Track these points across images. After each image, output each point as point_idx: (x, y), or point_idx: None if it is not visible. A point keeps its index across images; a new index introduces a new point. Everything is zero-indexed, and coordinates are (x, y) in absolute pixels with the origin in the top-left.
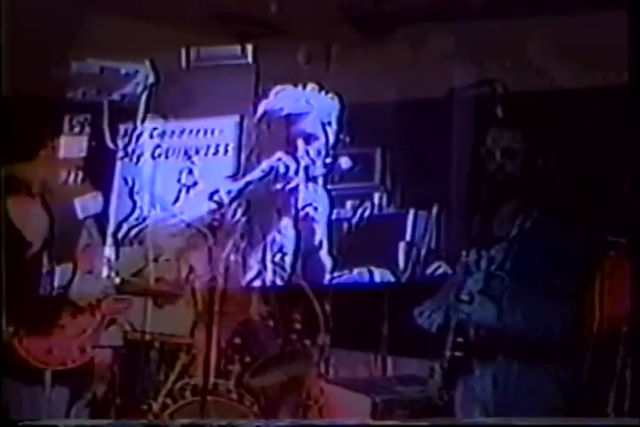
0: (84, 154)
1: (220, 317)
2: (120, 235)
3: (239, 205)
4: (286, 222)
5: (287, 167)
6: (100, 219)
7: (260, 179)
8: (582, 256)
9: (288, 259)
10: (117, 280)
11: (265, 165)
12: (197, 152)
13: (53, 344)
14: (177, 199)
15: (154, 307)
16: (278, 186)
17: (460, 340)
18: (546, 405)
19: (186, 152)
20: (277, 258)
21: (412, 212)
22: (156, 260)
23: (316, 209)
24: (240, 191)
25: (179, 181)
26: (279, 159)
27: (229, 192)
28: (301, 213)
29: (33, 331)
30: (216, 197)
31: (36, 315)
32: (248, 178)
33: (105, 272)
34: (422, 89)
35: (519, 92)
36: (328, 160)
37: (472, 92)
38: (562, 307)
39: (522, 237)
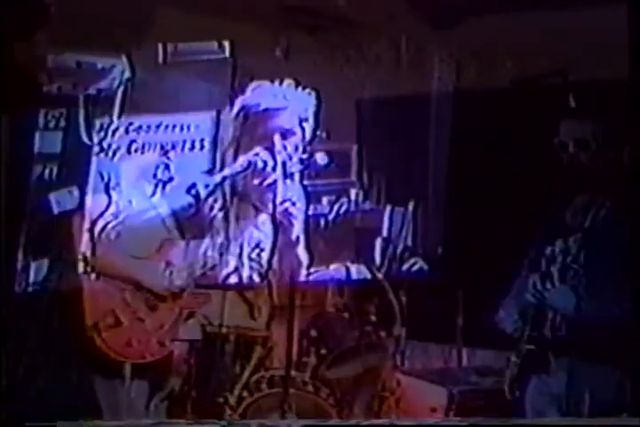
0: (59, 149)
1: (296, 309)
2: (96, 230)
3: (215, 201)
4: (264, 218)
5: (265, 163)
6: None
7: (239, 173)
8: None
9: (265, 255)
10: (195, 274)
11: (242, 160)
12: (174, 147)
13: (133, 337)
14: (153, 194)
15: (230, 300)
16: (256, 181)
17: (534, 333)
18: (618, 402)
19: (162, 147)
20: (254, 254)
21: (388, 208)
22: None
23: (293, 204)
24: (217, 186)
25: (155, 176)
26: (256, 154)
27: (206, 187)
28: (279, 209)
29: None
30: (190, 195)
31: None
32: (225, 173)
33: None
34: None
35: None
36: (305, 156)
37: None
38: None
39: (595, 228)
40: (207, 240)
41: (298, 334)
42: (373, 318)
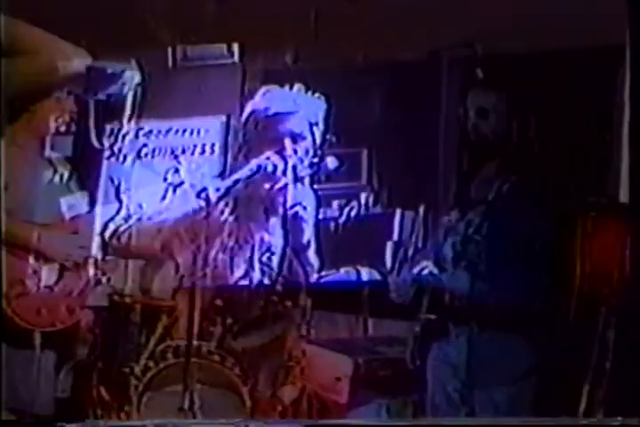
0: (69, 153)
1: (202, 279)
2: (107, 234)
3: (226, 204)
4: (274, 222)
5: (275, 166)
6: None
7: (248, 177)
8: (563, 217)
9: (275, 258)
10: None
11: (253, 163)
12: (184, 151)
13: (42, 306)
14: (163, 198)
15: (136, 269)
16: (266, 185)
17: (433, 302)
18: (519, 370)
19: (172, 151)
20: (265, 257)
21: (399, 211)
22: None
23: (304, 208)
24: (227, 190)
25: (165, 180)
26: (268, 158)
27: (217, 190)
28: (290, 213)
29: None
30: (203, 197)
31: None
32: (236, 176)
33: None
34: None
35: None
36: (315, 160)
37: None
38: (541, 269)
39: (500, 199)
40: (217, 244)
41: (203, 303)
42: (279, 287)
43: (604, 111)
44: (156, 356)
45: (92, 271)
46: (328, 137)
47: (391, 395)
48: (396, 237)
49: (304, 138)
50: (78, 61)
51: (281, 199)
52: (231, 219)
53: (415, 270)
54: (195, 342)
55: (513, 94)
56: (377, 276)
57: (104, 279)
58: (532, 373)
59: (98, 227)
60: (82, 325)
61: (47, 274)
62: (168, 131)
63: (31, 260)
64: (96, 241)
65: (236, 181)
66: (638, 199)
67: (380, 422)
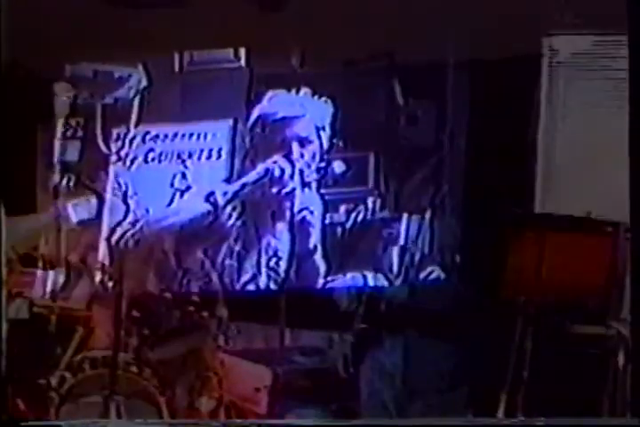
0: (76, 158)
1: (118, 290)
2: (114, 239)
3: (234, 209)
4: (281, 226)
5: (282, 170)
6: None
7: (255, 182)
8: (487, 228)
9: (283, 263)
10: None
11: (260, 167)
12: (190, 156)
13: None
14: (170, 203)
15: (54, 280)
16: (274, 189)
17: (361, 311)
18: (450, 378)
19: (179, 156)
20: (272, 262)
21: (405, 216)
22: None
23: (311, 213)
24: (234, 194)
25: (172, 185)
26: (275, 162)
27: (224, 195)
28: (297, 217)
29: None
30: (210, 201)
31: None
32: (243, 180)
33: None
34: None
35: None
36: (322, 164)
37: None
38: (470, 276)
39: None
40: (225, 248)
41: (120, 314)
42: (196, 298)
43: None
44: (74, 367)
45: (12, 284)
46: (335, 141)
47: (311, 405)
48: (402, 241)
49: (311, 142)
50: None
51: (288, 204)
52: (238, 223)
53: (422, 275)
54: (111, 354)
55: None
56: (383, 280)
57: (24, 292)
58: (461, 379)
59: (105, 232)
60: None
61: None
62: (175, 135)
63: None
64: (103, 246)
65: (244, 185)
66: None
67: (380, 422)
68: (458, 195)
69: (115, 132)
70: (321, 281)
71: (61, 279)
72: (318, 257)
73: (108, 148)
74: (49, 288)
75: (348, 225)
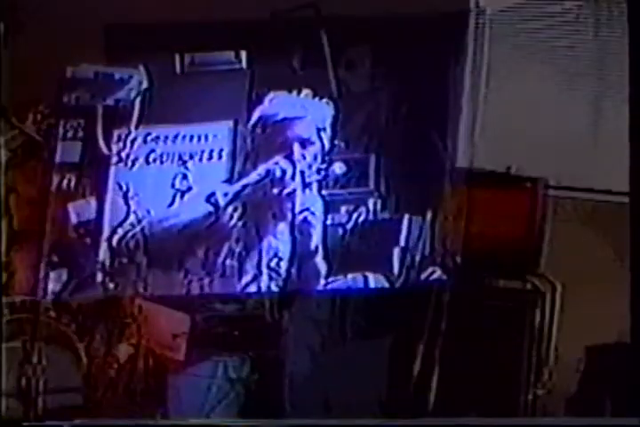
0: (77, 159)
1: (37, 235)
2: (114, 240)
3: (235, 210)
4: (282, 227)
5: (284, 171)
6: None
7: (256, 182)
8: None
9: (284, 264)
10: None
11: (262, 168)
12: (192, 157)
13: None
14: (171, 204)
15: None
16: (275, 190)
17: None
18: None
19: (180, 157)
20: (273, 263)
21: (406, 217)
22: None
23: (312, 214)
24: (235, 195)
25: (173, 185)
26: (276, 163)
27: (224, 196)
28: (298, 218)
29: None
30: (211, 202)
31: None
32: (244, 181)
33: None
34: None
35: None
36: (323, 166)
37: None
38: None
39: None
40: (225, 249)
41: (40, 259)
42: (115, 244)
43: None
44: None
45: None
46: (336, 142)
47: (228, 352)
48: (403, 242)
49: (312, 143)
50: None
51: (289, 205)
52: (239, 224)
53: (423, 276)
54: (30, 298)
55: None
56: (384, 282)
57: None
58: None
59: (106, 232)
60: None
61: None
62: (176, 136)
63: None
64: (104, 246)
65: (245, 186)
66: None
67: (380, 422)
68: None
69: (116, 133)
70: (322, 282)
71: None
72: (319, 258)
73: (109, 149)
74: None
75: (349, 226)
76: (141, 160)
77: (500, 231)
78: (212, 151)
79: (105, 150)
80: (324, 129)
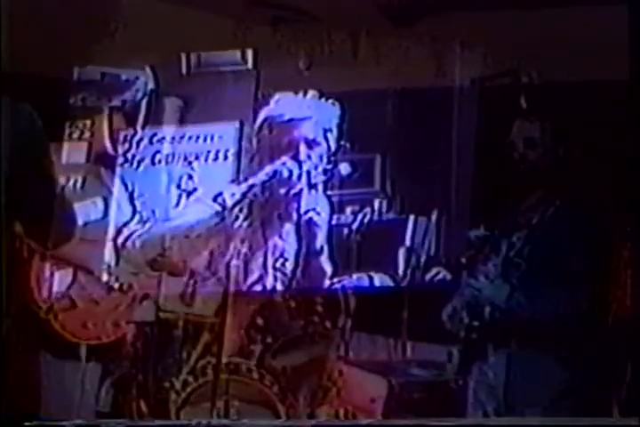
0: (83, 160)
1: (243, 298)
2: (120, 240)
3: (241, 210)
4: (288, 228)
5: (290, 172)
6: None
7: (263, 183)
8: (601, 246)
9: (289, 264)
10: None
11: (268, 169)
12: (197, 158)
13: (88, 319)
14: (177, 205)
15: (180, 285)
16: (281, 191)
17: (475, 324)
18: (555, 393)
19: (186, 158)
20: (278, 263)
21: (411, 217)
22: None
23: (318, 214)
24: (242, 196)
25: (178, 186)
26: (284, 163)
27: (231, 197)
28: (303, 219)
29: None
30: (217, 203)
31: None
32: (250, 182)
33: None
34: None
35: (541, 83)
36: (329, 166)
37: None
38: (577, 295)
39: (543, 225)
40: (231, 249)
41: (245, 322)
42: (320, 308)
43: None
44: (197, 371)
45: (138, 287)
46: (342, 143)
47: (425, 417)
48: (408, 243)
49: (318, 144)
50: None
51: (295, 205)
52: (245, 224)
53: (428, 277)
54: (235, 360)
55: (557, 123)
56: (389, 282)
57: (151, 295)
58: (565, 394)
59: (111, 232)
60: (127, 339)
61: (93, 289)
62: (182, 137)
63: (78, 275)
64: (109, 246)
65: (251, 187)
66: None
67: (380, 422)
68: (569, 211)
69: (122, 134)
70: (327, 282)
71: (188, 286)
72: (324, 258)
73: (115, 149)
74: (176, 294)
75: (355, 227)
76: (147, 161)
77: None
78: (217, 152)
79: (111, 151)
80: (330, 130)
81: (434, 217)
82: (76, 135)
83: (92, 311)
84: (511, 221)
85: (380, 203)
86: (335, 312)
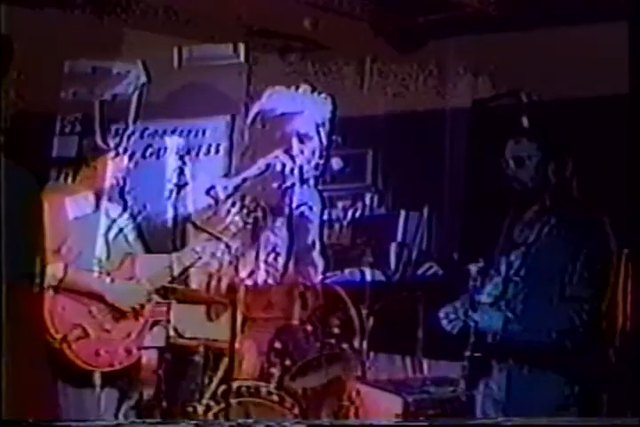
0: (74, 153)
1: (261, 322)
2: (110, 235)
3: (232, 205)
4: (280, 222)
5: (283, 166)
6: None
7: (255, 177)
8: (598, 263)
9: (281, 259)
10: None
11: (261, 163)
12: (189, 152)
13: (100, 347)
14: (168, 199)
15: (198, 313)
16: (273, 185)
17: (479, 342)
18: (557, 405)
19: (177, 152)
20: (270, 258)
21: (403, 212)
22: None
23: (309, 209)
24: (233, 190)
25: (170, 180)
26: (276, 157)
27: (224, 189)
28: (295, 214)
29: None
30: (209, 196)
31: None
32: (242, 176)
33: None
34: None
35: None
36: (320, 161)
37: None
38: (575, 312)
39: (540, 243)
40: (223, 244)
41: (264, 346)
42: (336, 330)
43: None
44: (218, 396)
45: (148, 314)
46: (334, 138)
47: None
48: (400, 237)
49: (310, 138)
50: None
51: (287, 200)
52: (237, 219)
53: (419, 272)
54: (255, 383)
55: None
56: (381, 277)
57: (162, 321)
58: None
59: (102, 227)
60: (141, 364)
61: (104, 319)
62: (173, 131)
63: (90, 305)
64: (100, 241)
65: (244, 180)
66: None
67: (382, 422)
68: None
69: (113, 127)
70: (319, 277)
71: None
72: (316, 253)
73: (106, 143)
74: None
75: (346, 221)
76: (138, 155)
77: None
78: (209, 146)
79: (102, 145)
80: (322, 124)
81: (425, 212)
82: (67, 129)
83: (103, 340)
84: (509, 240)
85: (372, 198)
86: (351, 333)
